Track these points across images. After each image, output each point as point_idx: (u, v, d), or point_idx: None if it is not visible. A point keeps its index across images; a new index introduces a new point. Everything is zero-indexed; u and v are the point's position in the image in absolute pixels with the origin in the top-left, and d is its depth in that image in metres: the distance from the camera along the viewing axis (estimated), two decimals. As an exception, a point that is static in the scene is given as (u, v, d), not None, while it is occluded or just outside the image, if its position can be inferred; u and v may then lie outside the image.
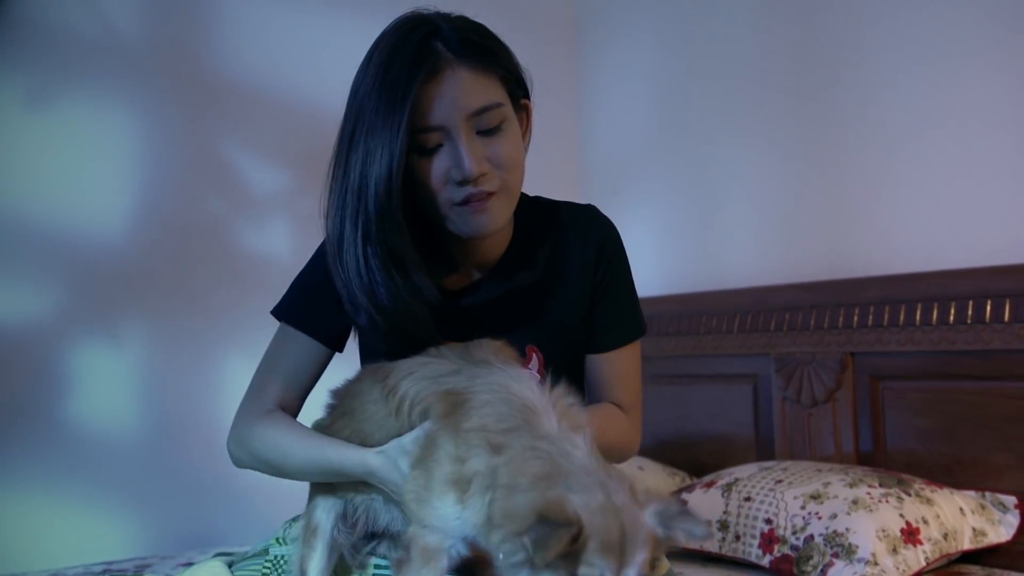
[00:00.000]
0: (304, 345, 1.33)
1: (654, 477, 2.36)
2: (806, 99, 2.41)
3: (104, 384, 2.24)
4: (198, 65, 2.42)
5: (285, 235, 2.46)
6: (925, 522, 1.76)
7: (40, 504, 2.15)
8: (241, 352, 2.40)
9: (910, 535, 1.74)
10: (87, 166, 2.24)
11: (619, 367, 1.37)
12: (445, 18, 1.24)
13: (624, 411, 1.38)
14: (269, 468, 1.29)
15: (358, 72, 1.23)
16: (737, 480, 1.99)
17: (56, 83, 2.21)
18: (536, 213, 1.37)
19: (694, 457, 2.52)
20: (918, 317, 2.04)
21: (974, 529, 1.82)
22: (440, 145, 1.21)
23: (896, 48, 2.21)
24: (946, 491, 1.87)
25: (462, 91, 1.19)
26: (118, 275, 2.27)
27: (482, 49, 1.22)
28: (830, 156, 2.36)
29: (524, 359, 1.32)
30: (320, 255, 1.33)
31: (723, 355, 2.47)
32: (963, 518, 1.82)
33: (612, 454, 1.29)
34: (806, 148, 2.42)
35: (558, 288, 1.35)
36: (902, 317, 2.07)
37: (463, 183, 1.21)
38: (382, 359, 1.27)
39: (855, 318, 2.16)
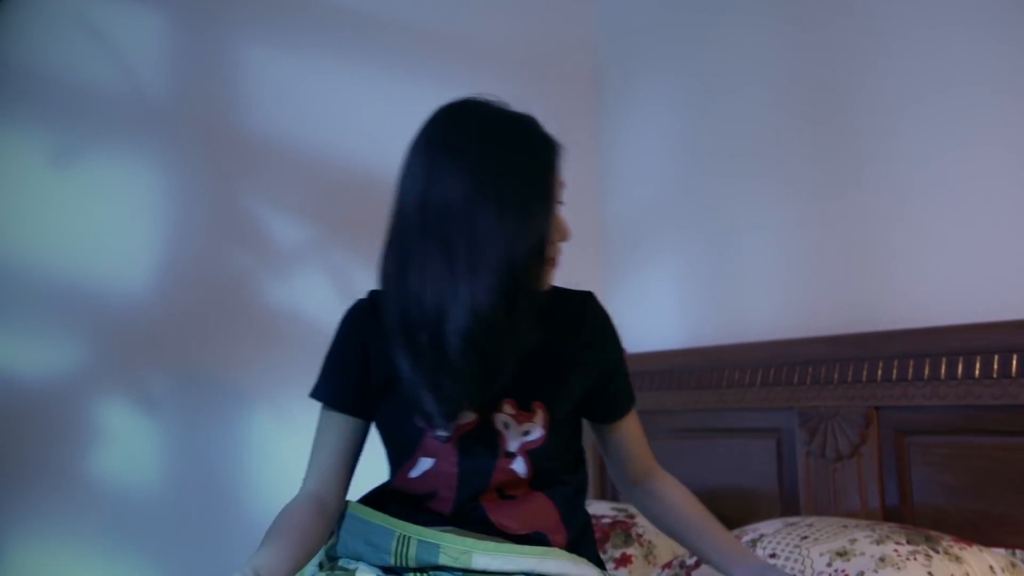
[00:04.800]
0: (333, 420, 1.50)
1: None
2: (827, 150, 2.42)
3: (127, 440, 2.25)
4: (223, 121, 2.46)
5: (310, 290, 2.47)
6: (954, 580, 1.73)
7: (62, 562, 2.15)
8: (266, 406, 2.41)
9: (939, 593, 1.71)
10: (112, 222, 2.27)
11: (635, 430, 1.66)
12: None
13: (657, 465, 1.69)
14: None
15: (484, 147, 1.36)
16: (762, 536, 1.96)
17: (81, 139, 2.25)
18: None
19: (718, 511, 2.47)
20: (943, 371, 2.02)
21: (1004, 588, 1.79)
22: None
23: (918, 103, 2.22)
24: (975, 548, 1.84)
25: None
26: (142, 330, 2.29)
27: None
28: (852, 208, 2.36)
29: (531, 413, 1.48)
30: (345, 324, 1.51)
31: (746, 409, 2.45)
32: (993, 576, 1.79)
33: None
34: (828, 200, 2.42)
35: (561, 355, 1.51)
36: (927, 371, 2.05)
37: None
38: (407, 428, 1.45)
39: (879, 372, 2.14)
